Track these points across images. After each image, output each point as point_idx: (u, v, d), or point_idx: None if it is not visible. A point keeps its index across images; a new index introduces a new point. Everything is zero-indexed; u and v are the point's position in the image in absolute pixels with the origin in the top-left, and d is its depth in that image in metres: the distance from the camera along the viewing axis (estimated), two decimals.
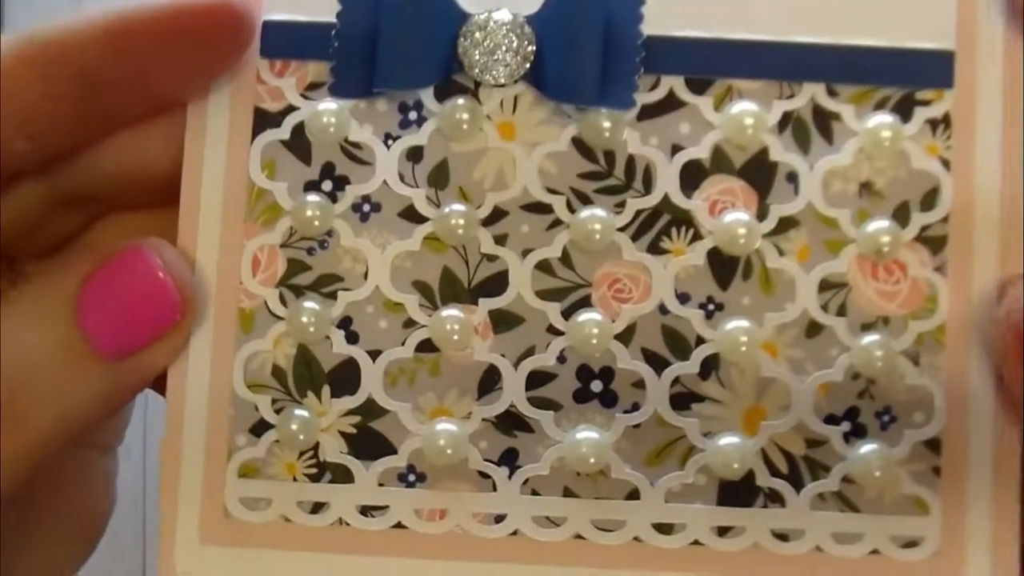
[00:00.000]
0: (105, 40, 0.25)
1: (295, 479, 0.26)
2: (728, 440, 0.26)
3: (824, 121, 0.26)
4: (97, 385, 0.25)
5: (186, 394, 0.26)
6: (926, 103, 0.26)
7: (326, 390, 0.26)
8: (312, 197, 0.26)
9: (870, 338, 0.26)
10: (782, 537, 0.26)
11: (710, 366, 0.26)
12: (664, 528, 0.26)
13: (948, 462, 0.26)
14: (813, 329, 0.26)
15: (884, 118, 0.26)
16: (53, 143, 0.26)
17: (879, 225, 0.26)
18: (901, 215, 0.26)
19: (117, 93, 0.26)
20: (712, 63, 0.26)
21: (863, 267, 0.26)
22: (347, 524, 0.26)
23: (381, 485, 0.26)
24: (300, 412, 0.26)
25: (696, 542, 0.26)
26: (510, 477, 0.26)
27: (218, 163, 0.26)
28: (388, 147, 0.26)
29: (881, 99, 0.26)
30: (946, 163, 0.26)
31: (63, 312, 0.25)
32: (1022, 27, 0.26)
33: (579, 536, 0.26)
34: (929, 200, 0.26)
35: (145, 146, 0.27)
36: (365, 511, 0.26)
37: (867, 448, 0.26)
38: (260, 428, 0.26)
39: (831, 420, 0.26)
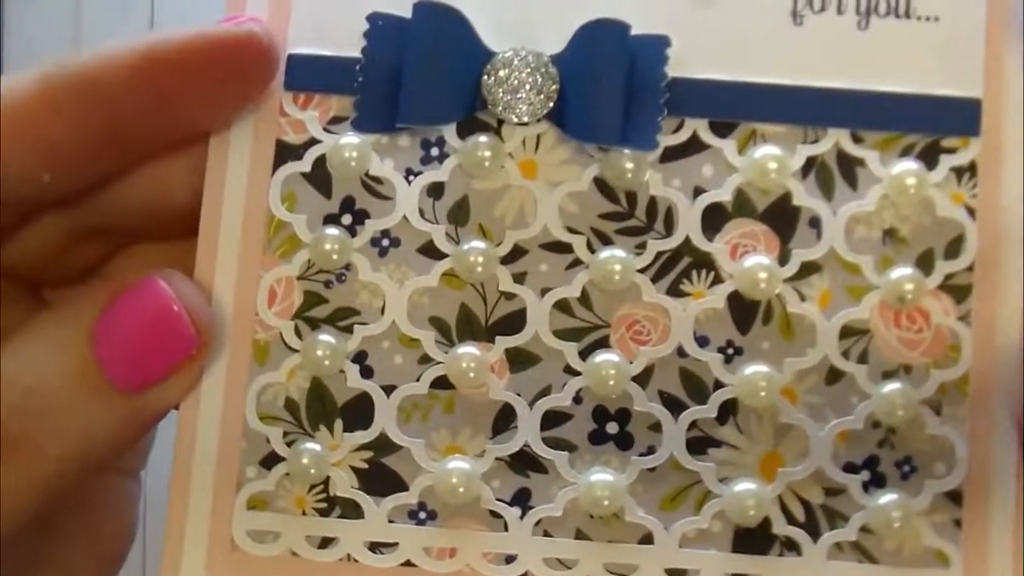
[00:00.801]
0: (130, 72, 0.25)
1: (304, 513, 0.26)
2: (745, 486, 0.25)
3: (848, 167, 0.26)
4: (113, 416, 0.25)
5: (197, 425, 0.26)
6: (952, 151, 0.26)
7: (339, 424, 0.26)
8: (331, 230, 0.26)
9: (891, 386, 0.25)
10: None
11: (728, 411, 0.26)
12: (677, 574, 0.25)
13: (969, 515, 0.25)
14: (833, 376, 0.26)
15: (909, 165, 0.26)
16: (77, 175, 0.26)
17: (903, 272, 0.25)
18: (925, 263, 0.26)
19: (141, 125, 0.26)
20: (736, 106, 0.26)
21: (885, 314, 0.26)
22: (355, 560, 0.26)
23: (391, 522, 0.26)
24: (311, 445, 0.26)
25: None
26: (522, 517, 0.26)
27: (238, 194, 0.26)
28: (409, 182, 0.26)
29: (906, 146, 0.26)
30: (971, 211, 0.26)
31: (80, 342, 0.25)
32: None
33: None
34: (954, 248, 0.26)
35: (167, 178, 0.27)
36: (374, 547, 0.26)
37: (887, 498, 0.25)
38: (271, 461, 0.26)
39: (850, 468, 0.25)
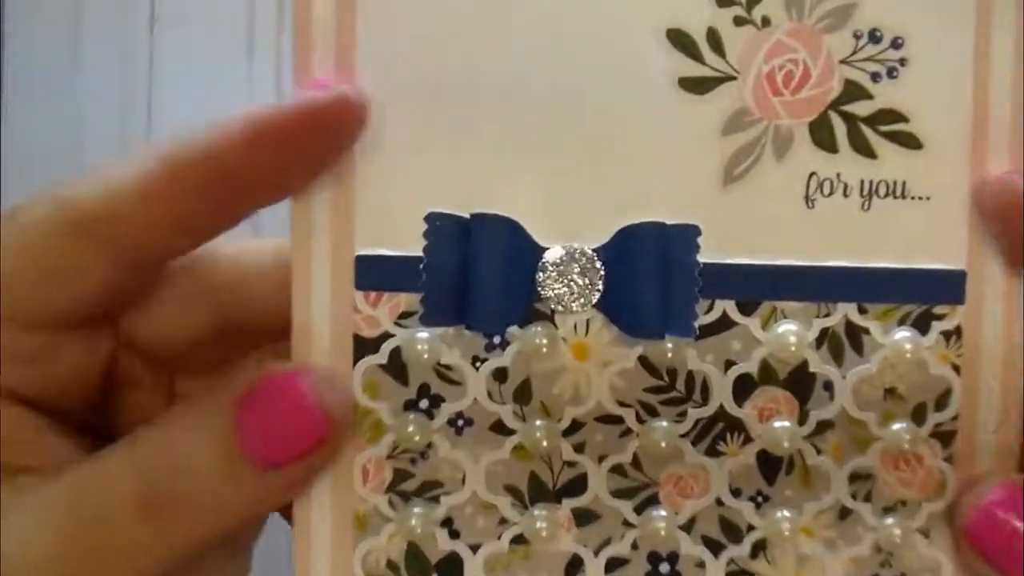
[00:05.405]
0: (243, 141, 0.28)
1: None
2: None
3: (855, 336, 0.30)
4: (248, 491, 0.29)
5: None
6: (941, 317, 0.30)
7: None
8: (412, 415, 0.30)
9: (891, 519, 0.31)
10: None
11: (759, 548, 0.31)
12: None
13: None
14: (844, 513, 0.31)
15: (906, 333, 0.30)
16: (205, 236, 0.30)
17: (901, 426, 0.30)
18: (919, 415, 0.30)
19: (252, 187, 0.29)
20: (759, 287, 0.30)
21: (886, 461, 0.31)
22: None
23: None
24: None
25: None
26: None
27: None
28: (477, 368, 0.30)
29: (903, 315, 0.30)
30: (957, 369, 0.30)
31: (224, 424, 0.28)
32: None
33: None
34: (942, 401, 0.30)
35: None
36: None
37: None
38: None
39: None
